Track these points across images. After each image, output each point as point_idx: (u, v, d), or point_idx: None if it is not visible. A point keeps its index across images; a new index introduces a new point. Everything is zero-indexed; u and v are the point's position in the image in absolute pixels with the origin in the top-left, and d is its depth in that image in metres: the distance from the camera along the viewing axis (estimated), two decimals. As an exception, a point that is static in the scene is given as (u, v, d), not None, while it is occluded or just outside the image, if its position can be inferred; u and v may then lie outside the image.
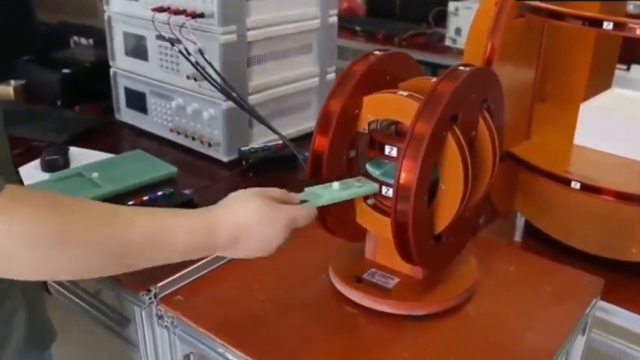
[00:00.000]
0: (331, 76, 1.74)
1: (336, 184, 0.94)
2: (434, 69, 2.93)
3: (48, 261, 0.71)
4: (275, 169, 1.48)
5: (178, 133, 1.62)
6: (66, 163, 1.51)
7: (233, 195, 0.88)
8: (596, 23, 1.32)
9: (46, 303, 1.01)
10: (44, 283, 1.01)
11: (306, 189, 0.94)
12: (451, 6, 2.95)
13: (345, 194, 0.94)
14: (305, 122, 1.71)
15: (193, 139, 1.59)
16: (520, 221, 1.66)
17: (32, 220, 0.69)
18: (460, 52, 2.83)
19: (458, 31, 2.93)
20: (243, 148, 1.52)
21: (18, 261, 0.69)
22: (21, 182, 0.89)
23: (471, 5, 2.89)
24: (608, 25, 1.29)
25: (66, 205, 0.73)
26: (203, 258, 1.15)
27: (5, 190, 0.68)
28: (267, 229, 0.85)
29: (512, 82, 1.57)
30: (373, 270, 1.08)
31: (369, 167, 1.03)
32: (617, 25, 1.29)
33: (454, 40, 2.95)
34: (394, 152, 0.96)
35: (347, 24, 3.11)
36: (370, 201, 1.04)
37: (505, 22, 1.45)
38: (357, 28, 3.17)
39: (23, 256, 0.69)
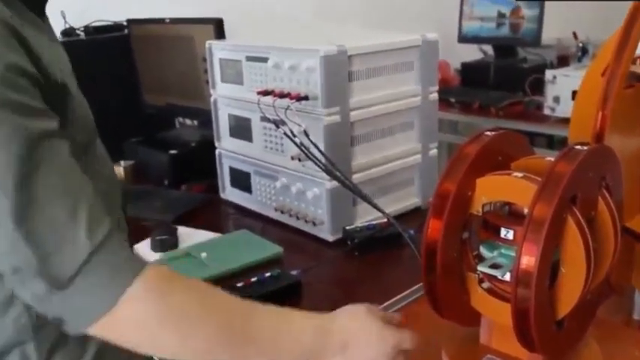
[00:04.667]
0: (433, 152, 1.73)
1: None
2: (532, 138, 2.86)
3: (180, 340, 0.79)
4: (380, 248, 1.47)
5: (282, 212, 1.64)
6: (175, 243, 1.55)
7: (344, 307, 0.93)
8: None
9: None
10: None
11: None
12: (548, 74, 2.90)
13: None
14: (408, 199, 1.70)
15: (298, 218, 1.60)
16: (639, 298, 1.57)
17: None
18: (559, 121, 2.77)
19: (556, 99, 2.86)
20: (347, 227, 1.51)
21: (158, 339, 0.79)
22: None
23: (568, 73, 2.83)
24: None
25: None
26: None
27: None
28: (377, 345, 0.89)
29: (623, 153, 1.51)
30: (490, 356, 1.04)
31: (482, 250, 1.00)
32: None
33: (553, 109, 2.89)
34: (510, 235, 0.93)
35: (441, 95, 3.09)
36: (485, 285, 1.01)
37: (616, 93, 1.41)
38: (452, 99, 3.15)
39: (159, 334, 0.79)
